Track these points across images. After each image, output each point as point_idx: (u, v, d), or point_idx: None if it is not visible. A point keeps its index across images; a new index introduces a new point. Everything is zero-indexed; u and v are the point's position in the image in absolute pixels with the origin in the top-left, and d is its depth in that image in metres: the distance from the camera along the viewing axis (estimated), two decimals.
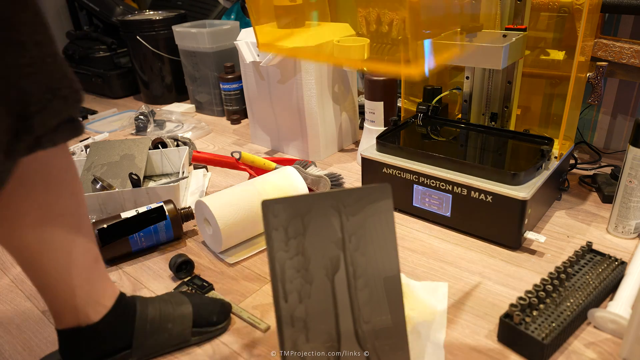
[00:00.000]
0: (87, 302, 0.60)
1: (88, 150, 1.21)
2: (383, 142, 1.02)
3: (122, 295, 0.65)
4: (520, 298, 0.67)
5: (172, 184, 1.02)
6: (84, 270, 0.59)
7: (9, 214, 0.52)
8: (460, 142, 1.02)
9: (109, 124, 1.71)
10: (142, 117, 1.58)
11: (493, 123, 1.06)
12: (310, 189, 1.09)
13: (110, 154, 1.19)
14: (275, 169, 1.15)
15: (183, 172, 1.15)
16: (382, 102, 1.16)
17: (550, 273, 0.72)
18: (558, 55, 1.00)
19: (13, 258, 0.56)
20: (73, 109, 0.51)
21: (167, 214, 0.92)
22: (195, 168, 1.28)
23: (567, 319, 0.66)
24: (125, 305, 0.65)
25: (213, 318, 0.72)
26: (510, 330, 0.66)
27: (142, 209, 0.91)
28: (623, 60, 0.96)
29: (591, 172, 1.13)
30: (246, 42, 1.28)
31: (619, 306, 0.69)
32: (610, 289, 0.74)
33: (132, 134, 1.60)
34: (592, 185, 1.07)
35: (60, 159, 0.55)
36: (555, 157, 0.96)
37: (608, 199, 1.00)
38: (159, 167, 1.23)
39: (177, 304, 0.70)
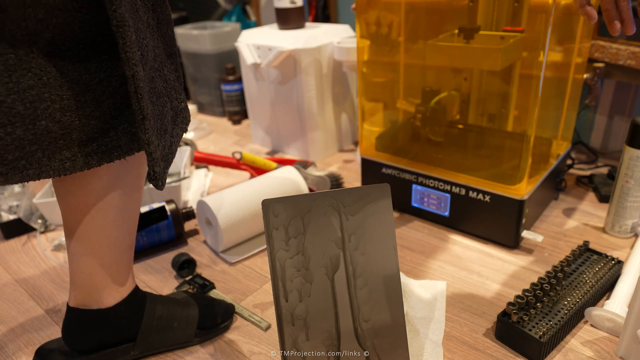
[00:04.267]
0: (107, 284, 0.61)
1: None
2: (382, 142, 1.02)
3: (137, 288, 0.66)
4: (518, 297, 0.68)
5: (173, 184, 1.03)
6: (118, 251, 0.61)
7: (89, 172, 0.54)
8: (458, 143, 1.03)
9: None
10: None
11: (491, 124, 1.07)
12: (310, 189, 1.09)
13: None
14: (276, 169, 1.15)
15: (184, 172, 1.16)
16: (381, 103, 1.17)
17: (548, 272, 0.73)
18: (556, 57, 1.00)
19: (63, 217, 0.57)
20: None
21: (168, 213, 0.93)
22: (196, 168, 1.28)
23: (564, 318, 0.67)
24: (138, 299, 0.66)
25: (217, 320, 0.73)
26: (508, 328, 0.67)
27: (144, 209, 0.92)
28: (620, 62, 0.97)
29: (588, 172, 1.14)
30: (247, 43, 1.29)
31: (615, 305, 0.69)
32: (607, 288, 0.75)
33: None
34: (589, 185, 1.08)
35: None
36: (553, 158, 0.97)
37: (605, 198, 1.01)
38: None
39: (185, 305, 0.71)
